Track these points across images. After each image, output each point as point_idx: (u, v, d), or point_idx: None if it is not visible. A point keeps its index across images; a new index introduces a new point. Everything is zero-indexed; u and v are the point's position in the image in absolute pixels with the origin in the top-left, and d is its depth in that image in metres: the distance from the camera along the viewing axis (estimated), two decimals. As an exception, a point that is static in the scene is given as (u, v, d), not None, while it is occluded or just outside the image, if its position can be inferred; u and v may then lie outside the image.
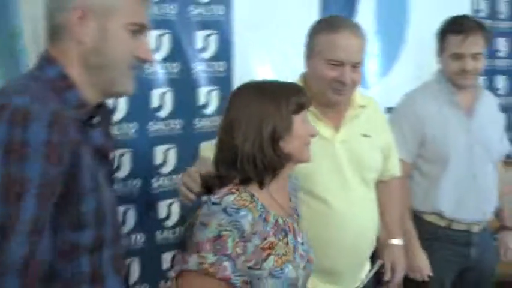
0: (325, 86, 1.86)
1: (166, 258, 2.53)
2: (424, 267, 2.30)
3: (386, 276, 2.09)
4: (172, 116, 2.44)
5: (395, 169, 2.15)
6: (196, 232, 1.40)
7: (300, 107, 1.50)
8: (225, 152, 1.49)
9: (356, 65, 1.89)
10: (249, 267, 1.40)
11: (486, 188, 2.37)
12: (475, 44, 2.28)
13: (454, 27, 2.30)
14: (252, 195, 1.46)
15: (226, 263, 1.36)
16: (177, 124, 2.46)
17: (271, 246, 1.43)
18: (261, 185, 1.48)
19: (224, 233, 1.37)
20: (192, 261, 1.37)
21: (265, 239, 1.43)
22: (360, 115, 2.00)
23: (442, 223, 2.35)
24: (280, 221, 1.50)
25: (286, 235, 1.49)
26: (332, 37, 1.85)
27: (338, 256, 1.89)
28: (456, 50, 2.29)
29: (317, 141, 1.61)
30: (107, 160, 1.31)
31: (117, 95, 1.36)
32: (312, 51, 1.91)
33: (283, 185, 1.56)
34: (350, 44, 1.88)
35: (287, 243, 1.48)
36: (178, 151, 2.48)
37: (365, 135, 2.00)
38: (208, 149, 1.95)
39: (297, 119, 1.49)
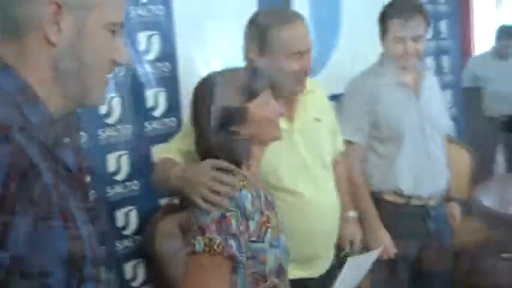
0: (288, 79, 1.87)
1: (128, 268, 2.46)
2: (388, 246, 2.35)
3: (346, 249, 2.15)
4: (121, 121, 2.37)
5: (341, 146, 2.22)
6: (198, 216, 1.46)
7: (254, 93, 1.56)
8: (198, 145, 1.60)
9: (309, 53, 1.93)
10: (252, 242, 1.46)
11: (438, 163, 2.46)
12: (416, 26, 2.35)
13: (396, 11, 2.36)
14: (244, 176, 1.53)
15: (232, 242, 1.42)
16: (127, 129, 2.39)
17: (268, 220, 1.51)
18: (239, 166, 1.55)
19: (228, 213, 1.44)
20: (199, 243, 1.42)
21: (262, 213, 1.50)
22: (308, 100, 2.03)
23: (401, 200, 2.42)
24: (268, 196, 1.59)
25: (274, 208, 1.59)
26: (289, 30, 1.87)
27: (315, 244, 1.94)
28: (398, 33, 2.35)
29: None
30: (83, 182, 1.12)
31: (89, 106, 1.14)
32: (267, 47, 1.89)
33: (257, 167, 1.65)
34: (304, 34, 1.92)
35: (276, 216, 1.57)
36: (130, 157, 2.41)
37: (317, 120, 2.03)
38: (165, 151, 1.92)
39: (254, 104, 1.55)
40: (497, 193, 3.11)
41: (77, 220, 1.05)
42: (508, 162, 4.75)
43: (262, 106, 1.57)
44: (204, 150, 1.58)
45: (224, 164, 1.52)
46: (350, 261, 1.71)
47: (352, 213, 2.27)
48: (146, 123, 2.44)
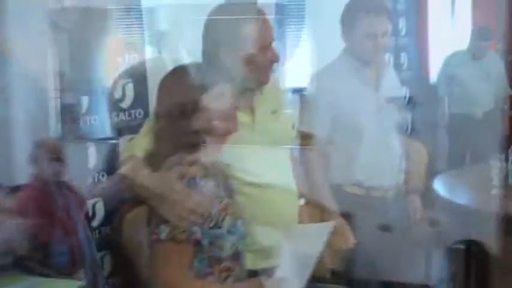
0: (261, 70, 1.93)
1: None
2: (348, 237, 2.42)
3: None
4: (88, 112, 2.37)
5: (294, 136, 2.26)
6: None
7: (210, 86, 1.64)
8: (157, 136, 1.67)
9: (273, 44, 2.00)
10: (211, 228, 1.53)
11: (396, 155, 2.55)
12: (385, 22, 2.42)
13: (364, 7, 2.41)
14: (205, 166, 1.60)
15: (196, 228, 1.49)
16: (94, 120, 2.39)
17: (226, 207, 1.58)
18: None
19: None
20: (163, 231, 1.47)
21: (221, 200, 1.57)
22: (266, 93, 2.08)
23: (361, 192, 2.50)
24: (228, 185, 1.67)
25: (233, 196, 1.66)
26: (260, 24, 1.93)
27: (277, 234, 1.96)
28: (368, 29, 2.40)
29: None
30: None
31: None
32: (234, 41, 1.92)
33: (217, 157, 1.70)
34: (269, 25, 2.00)
35: (235, 203, 1.65)
36: (97, 148, 2.41)
37: (275, 111, 2.09)
38: (131, 148, 1.92)
39: (208, 97, 1.62)
40: (455, 184, 3.20)
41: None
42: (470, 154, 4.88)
43: (216, 99, 1.63)
44: (162, 141, 1.64)
45: (189, 170, 1.57)
46: (297, 229, 1.77)
47: (301, 201, 2.26)
48: (113, 114, 2.45)
